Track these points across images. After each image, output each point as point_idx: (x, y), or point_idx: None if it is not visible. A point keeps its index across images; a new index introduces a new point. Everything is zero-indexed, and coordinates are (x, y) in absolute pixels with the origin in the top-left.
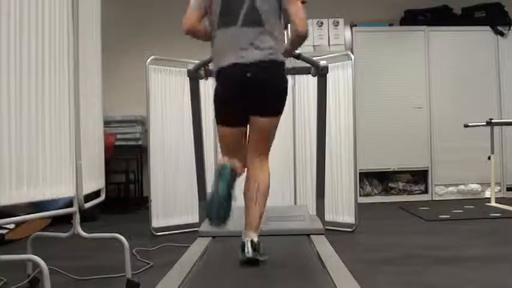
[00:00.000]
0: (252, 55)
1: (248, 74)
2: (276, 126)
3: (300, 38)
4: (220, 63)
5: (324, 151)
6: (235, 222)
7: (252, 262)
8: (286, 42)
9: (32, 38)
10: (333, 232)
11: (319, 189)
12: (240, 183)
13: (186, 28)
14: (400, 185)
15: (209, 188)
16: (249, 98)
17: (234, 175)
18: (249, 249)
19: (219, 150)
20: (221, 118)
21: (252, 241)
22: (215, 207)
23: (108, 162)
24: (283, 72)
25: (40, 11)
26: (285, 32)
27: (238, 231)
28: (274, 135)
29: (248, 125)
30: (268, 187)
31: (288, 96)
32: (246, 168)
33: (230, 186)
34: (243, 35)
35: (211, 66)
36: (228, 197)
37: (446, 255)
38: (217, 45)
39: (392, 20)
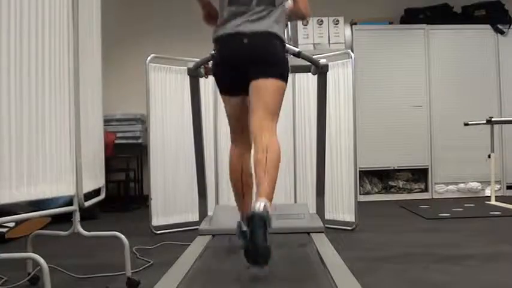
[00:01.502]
0: (254, 26)
1: (245, 41)
2: (278, 93)
3: (301, 19)
4: (220, 32)
5: (324, 149)
6: (235, 220)
7: (261, 218)
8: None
9: (32, 38)
10: (333, 230)
11: (319, 188)
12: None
13: (203, 19)
14: (400, 183)
15: (209, 186)
16: (247, 64)
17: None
18: (260, 206)
19: (219, 148)
20: (222, 85)
21: (265, 204)
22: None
23: (108, 161)
24: (280, 44)
25: (40, 11)
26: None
27: None
28: (278, 103)
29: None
30: (279, 155)
31: (287, 94)
32: (251, 146)
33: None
34: (253, 13)
35: (211, 64)
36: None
37: (447, 253)
38: (223, 19)
39: (392, 19)
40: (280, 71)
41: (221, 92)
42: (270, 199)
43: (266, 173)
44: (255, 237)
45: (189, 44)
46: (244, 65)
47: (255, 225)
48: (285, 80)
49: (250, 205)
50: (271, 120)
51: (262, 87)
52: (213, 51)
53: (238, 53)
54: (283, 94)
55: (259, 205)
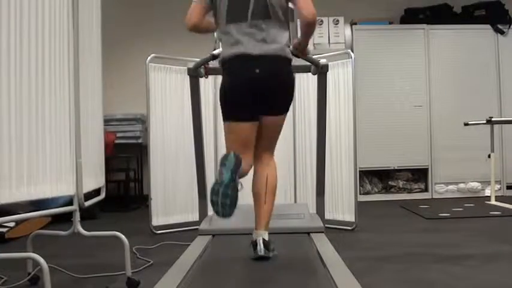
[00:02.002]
0: (261, 49)
1: (257, 70)
2: (283, 123)
3: (308, 25)
4: (228, 53)
5: (324, 149)
6: (235, 220)
7: (263, 259)
8: (294, 37)
9: (32, 38)
10: (333, 230)
11: (319, 188)
12: (247, 181)
13: (189, 26)
14: (400, 183)
15: (209, 187)
16: (258, 96)
17: (238, 163)
18: (261, 247)
19: (219, 148)
20: (231, 113)
21: (263, 239)
22: (220, 196)
23: (108, 161)
24: (290, 68)
25: (40, 11)
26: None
27: (238, 229)
28: (280, 131)
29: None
30: (276, 183)
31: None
32: (252, 166)
33: (234, 173)
34: (252, 29)
35: (211, 64)
36: (233, 185)
37: (446, 253)
38: (226, 39)
39: (392, 19)
40: (289, 104)
41: (229, 120)
42: (268, 226)
43: (266, 203)
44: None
45: (189, 44)
46: (256, 97)
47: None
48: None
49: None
50: (273, 147)
51: (272, 125)
52: (214, 52)
53: (250, 85)
54: None
55: (259, 248)
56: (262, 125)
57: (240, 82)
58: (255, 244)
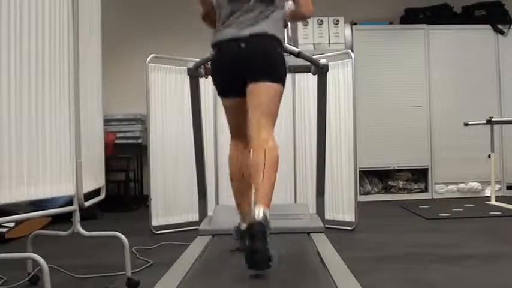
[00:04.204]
0: (253, 29)
1: (242, 45)
2: (276, 96)
3: (303, 19)
4: (219, 38)
5: (324, 149)
6: (234, 220)
7: (259, 227)
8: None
9: (32, 37)
10: (333, 230)
11: (319, 188)
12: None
13: (202, 15)
14: (400, 183)
15: (209, 186)
16: (244, 68)
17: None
18: (260, 215)
19: (219, 148)
20: (220, 88)
21: (263, 211)
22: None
23: (108, 161)
24: (280, 48)
25: (40, 11)
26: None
27: None
28: (275, 107)
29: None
30: (278, 157)
31: (287, 94)
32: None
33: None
34: (252, 11)
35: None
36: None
37: (447, 253)
38: (222, 21)
39: (392, 19)
40: (277, 75)
41: (219, 94)
42: (269, 204)
43: (265, 178)
44: (255, 246)
45: (189, 44)
46: (242, 69)
47: (255, 234)
48: (282, 82)
49: (249, 205)
50: (268, 123)
51: (259, 91)
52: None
53: (236, 58)
54: (281, 97)
55: (258, 213)
56: (251, 95)
57: (226, 59)
58: (253, 215)
